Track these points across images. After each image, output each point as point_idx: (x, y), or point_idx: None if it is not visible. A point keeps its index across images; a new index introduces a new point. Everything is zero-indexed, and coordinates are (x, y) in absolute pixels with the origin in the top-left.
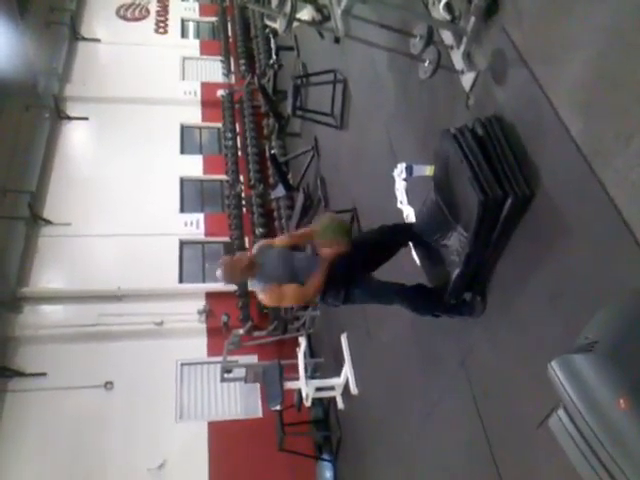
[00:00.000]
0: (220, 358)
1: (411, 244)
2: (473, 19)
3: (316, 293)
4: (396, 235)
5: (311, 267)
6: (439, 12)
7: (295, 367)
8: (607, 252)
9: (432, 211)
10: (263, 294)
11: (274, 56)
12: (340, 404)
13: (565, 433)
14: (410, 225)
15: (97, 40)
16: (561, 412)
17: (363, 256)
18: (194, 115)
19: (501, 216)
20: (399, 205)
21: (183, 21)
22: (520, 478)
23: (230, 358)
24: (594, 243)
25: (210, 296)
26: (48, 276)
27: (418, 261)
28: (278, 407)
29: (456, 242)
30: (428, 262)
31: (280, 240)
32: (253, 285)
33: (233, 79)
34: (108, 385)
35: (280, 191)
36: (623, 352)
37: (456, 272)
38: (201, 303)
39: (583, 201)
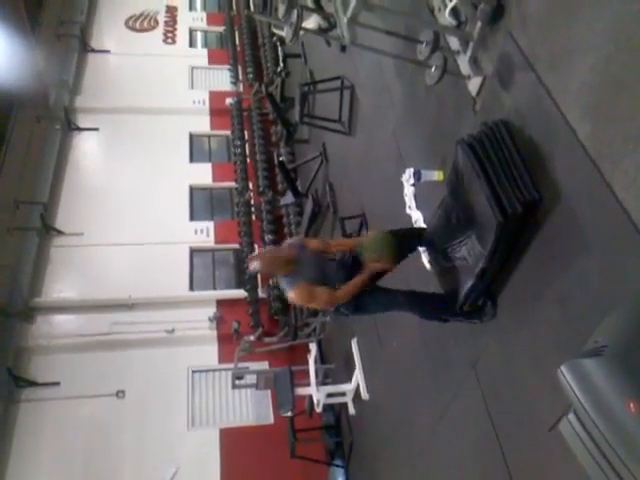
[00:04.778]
0: (231, 365)
1: (422, 249)
2: (479, 24)
3: (347, 299)
4: (406, 240)
5: (339, 274)
6: (445, 18)
7: (306, 373)
8: (616, 255)
9: (446, 218)
10: (293, 292)
11: (281, 64)
12: (351, 409)
13: (576, 437)
14: (420, 230)
15: (107, 51)
16: (571, 416)
17: None
18: (203, 124)
19: (519, 232)
20: (408, 210)
21: (191, 31)
22: None
23: (241, 365)
24: (603, 246)
25: (221, 303)
26: (60, 286)
27: (428, 266)
28: (289, 413)
29: (470, 252)
30: (440, 269)
31: (314, 244)
32: (283, 282)
33: (241, 87)
34: (120, 394)
35: (289, 198)
36: (633, 356)
37: (469, 284)
38: (212, 310)
39: (592, 204)
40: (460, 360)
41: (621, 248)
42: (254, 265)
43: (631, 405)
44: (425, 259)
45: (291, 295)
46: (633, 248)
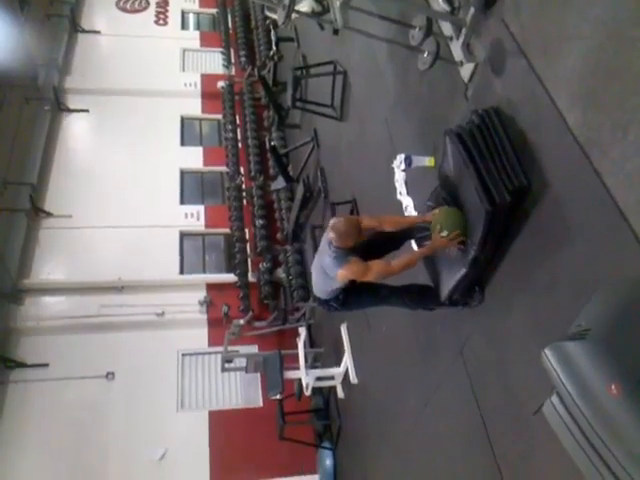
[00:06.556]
0: (221, 348)
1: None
2: (472, 10)
3: (401, 270)
4: (397, 234)
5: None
6: (438, 3)
7: (295, 357)
8: (603, 241)
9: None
10: (347, 267)
11: (274, 47)
12: (340, 393)
13: (558, 419)
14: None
15: (97, 32)
16: (554, 398)
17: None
18: (194, 107)
19: (509, 219)
20: (398, 196)
21: (183, 13)
22: (517, 464)
23: (231, 348)
24: (590, 232)
25: (211, 287)
26: (49, 268)
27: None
28: (278, 396)
29: None
30: (430, 259)
31: (367, 221)
32: (331, 257)
33: (233, 71)
34: (109, 375)
35: (280, 182)
36: (615, 339)
37: (461, 273)
38: (202, 294)
39: (580, 191)
40: (447, 345)
41: (607, 234)
42: (338, 222)
43: (612, 387)
44: (415, 246)
45: (343, 272)
46: (619, 235)
